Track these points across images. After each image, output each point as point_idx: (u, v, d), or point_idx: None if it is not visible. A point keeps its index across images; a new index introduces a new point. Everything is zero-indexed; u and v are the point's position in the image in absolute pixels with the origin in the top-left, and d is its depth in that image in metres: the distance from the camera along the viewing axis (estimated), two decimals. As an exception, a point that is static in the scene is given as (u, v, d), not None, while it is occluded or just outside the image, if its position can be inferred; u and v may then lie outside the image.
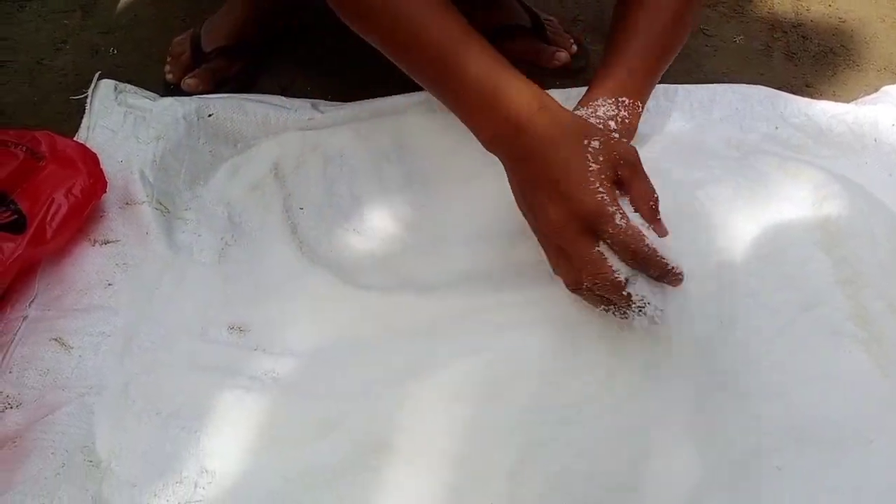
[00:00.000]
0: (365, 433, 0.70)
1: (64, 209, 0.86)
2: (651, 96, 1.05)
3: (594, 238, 0.63)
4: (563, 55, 1.15)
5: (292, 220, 0.93)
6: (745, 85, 1.05)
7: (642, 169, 0.66)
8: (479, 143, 0.92)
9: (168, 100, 1.01)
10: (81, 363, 0.80)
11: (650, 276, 0.65)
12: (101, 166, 0.91)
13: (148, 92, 1.04)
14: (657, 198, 0.66)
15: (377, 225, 0.91)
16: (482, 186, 0.87)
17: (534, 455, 0.66)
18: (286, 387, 0.77)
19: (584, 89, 1.07)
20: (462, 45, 0.66)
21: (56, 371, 0.79)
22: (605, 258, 0.63)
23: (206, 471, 0.72)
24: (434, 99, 1.04)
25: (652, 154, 0.87)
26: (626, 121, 0.76)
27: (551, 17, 1.19)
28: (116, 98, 1.01)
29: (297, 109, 1.02)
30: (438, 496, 0.66)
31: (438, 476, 0.67)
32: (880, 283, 0.74)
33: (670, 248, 0.65)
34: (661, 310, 0.66)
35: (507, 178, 0.82)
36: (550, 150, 0.63)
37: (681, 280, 0.65)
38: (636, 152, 0.66)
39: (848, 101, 1.09)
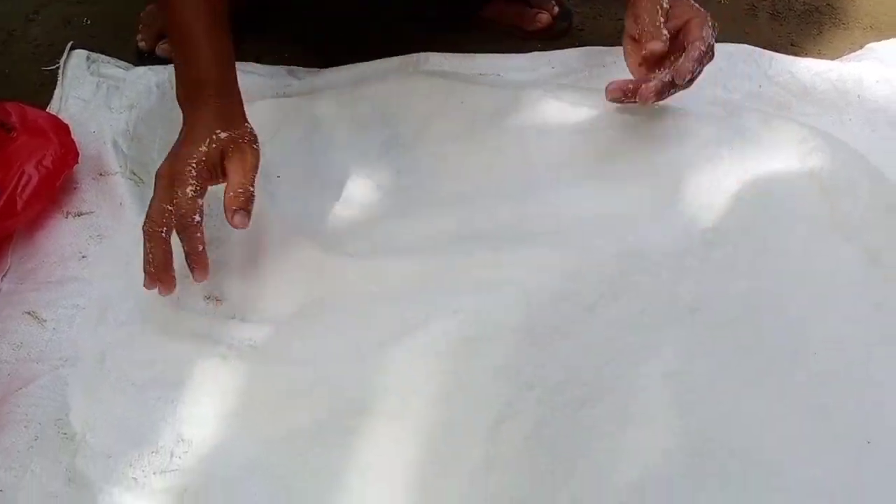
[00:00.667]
0: (343, 396, 0.69)
1: (35, 180, 0.84)
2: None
3: (170, 197, 0.75)
4: (544, 17, 1.13)
5: (270, 189, 0.91)
6: (728, 44, 1.03)
7: (246, 169, 0.76)
8: (459, 108, 0.93)
9: (141, 69, 1.00)
10: (55, 336, 0.79)
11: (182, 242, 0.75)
12: (73, 136, 0.89)
13: (121, 61, 1.02)
14: (241, 192, 0.75)
15: (355, 191, 0.89)
16: (461, 150, 0.86)
17: (511, 413, 0.66)
18: (264, 354, 0.76)
19: (564, 51, 1.07)
20: (199, 31, 0.79)
21: (30, 345, 0.78)
22: (162, 211, 0.74)
23: (183, 439, 0.72)
24: (409, 65, 1.04)
25: (637, 117, 0.86)
26: None
27: (532, -21, 1.17)
28: (89, 68, 1.00)
29: (273, 76, 1.01)
30: (418, 456, 0.65)
31: (417, 436, 0.66)
32: (862, 235, 0.74)
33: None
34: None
35: (484, 143, 0.83)
36: (193, 125, 0.78)
37: (199, 276, 0.76)
38: (251, 157, 0.77)
39: (833, 60, 1.07)
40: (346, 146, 0.94)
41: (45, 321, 0.80)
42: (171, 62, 1.02)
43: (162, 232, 0.74)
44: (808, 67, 0.98)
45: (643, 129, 0.80)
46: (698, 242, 0.72)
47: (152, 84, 0.97)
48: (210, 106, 0.78)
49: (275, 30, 1.15)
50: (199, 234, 0.75)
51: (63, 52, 1.02)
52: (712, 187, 0.75)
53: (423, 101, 0.98)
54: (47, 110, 0.96)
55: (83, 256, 0.86)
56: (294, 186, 0.91)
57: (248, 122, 0.80)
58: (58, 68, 1.01)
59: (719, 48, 1.01)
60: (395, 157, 0.91)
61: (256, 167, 0.77)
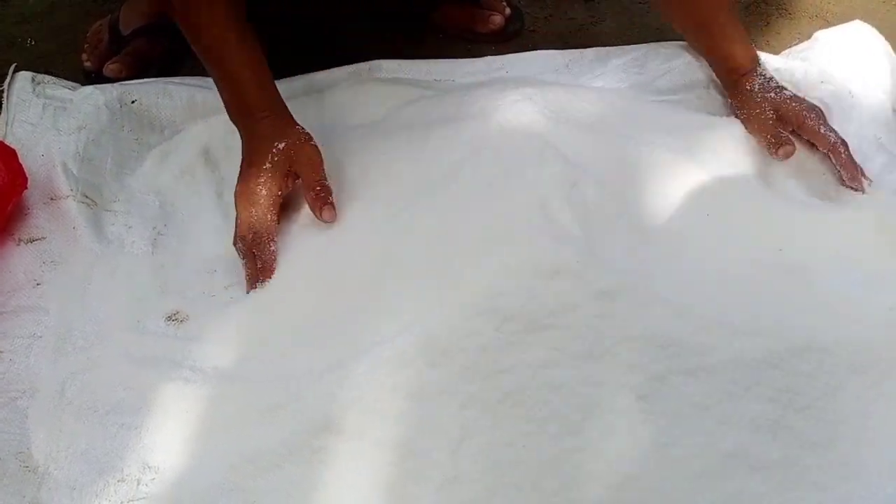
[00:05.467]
0: (308, 415, 0.68)
1: (-18, 209, 0.83)
2: (584, 60, 1.05)
3: (249, 215, 0.81)
4: (497, 19, 1.14)
5: (225, 206, 0.90)
6: (675, 42, 1.04)
7: (314, 166, 0.82)
8: (409, 115, 0.92)
9: (88, 88, 0.98)
10: (12, 367, 0.78)
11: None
12: (21, 161, 0.87)
13: (67, 81, 1.00)
14: (318, 189, 0.81)
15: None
16: (416, 158, 0.85)
17: (476, 426, 0.65)
18: (227, 375, 0.75)
19: (518, 55, 1.06)
20: (232, 51, 0.83)
21: (-14, 377, 0.77)
22: (246, 225, 0.81)
23: (149, 467, 0.71)
24: (361, 72, 1.03)
25: (592, 123, 0.86)
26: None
27: (483, -19, 1.17)
28: (34, 90, 0.97)
29: (224, 91, 0.99)
30: (384, 472, 0.65)
31: (383, 453, 0.66)
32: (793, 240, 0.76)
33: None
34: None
35: (440, 149, 0.82)
36: (253, 144, 0.83)
37: (255, 284, 0.80)
38: (312, 153, 0.82)
39: (781, 50, 1.09)
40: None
41: (1, 353, 0.79)
42: (117, 80, 1.01)
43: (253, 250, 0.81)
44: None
45: (597, 133, 0.81)
46: (645, 240, 0.73)
47: (101, 104, 0.95)
48: (264, 124, 0.83)
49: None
50: (272, 248, 0.81)
51: (6, 75, 0.99)
52: (662, 187, 0.76)
53: (377, 109, 0.98)
54: (-7, 135, 0.93)
55: (38, 284, 0.84)
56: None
57: (298, 125, 0.84)
58: (2, 92, 0.98)
59: (668, 46, 1.04)
60: (347, 167, 0.90)
61: (322, 162, 0.82)
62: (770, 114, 0.89)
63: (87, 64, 1.06)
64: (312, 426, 0.68)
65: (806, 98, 0.91)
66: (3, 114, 0.97)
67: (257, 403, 0.71)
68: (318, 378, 0.70)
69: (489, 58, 1.07)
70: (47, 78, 1.00)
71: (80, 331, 0.80)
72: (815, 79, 0.97)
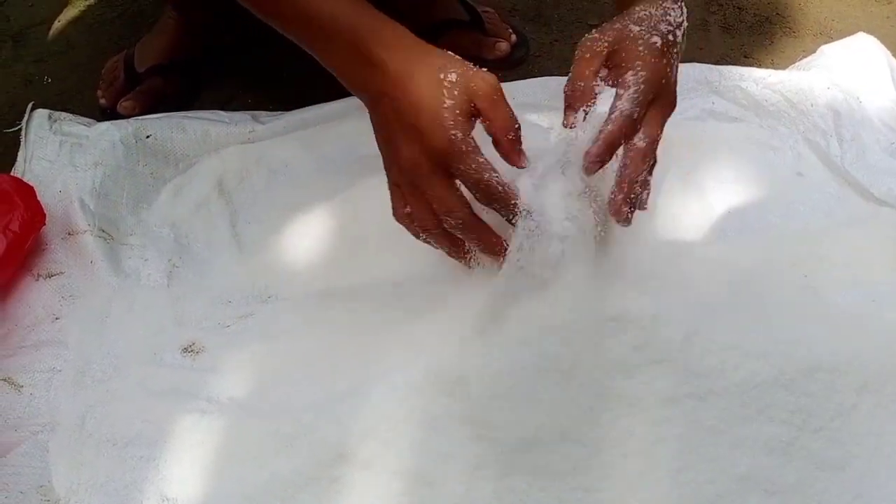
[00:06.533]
0: (323, 444, 0.69)
1: (2, 246, 0.84)
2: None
3: (448, 176, 0.63)
4: (503, 45, 1.15)
5: (239, 237, 0.92)
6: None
7: (501, 98, 0.64)
8: None
9: (104, 124, 1.00)
10: (33, 401, 0.79)
11: (499, 213, 0.65)
12: (39, 198, 0.89)
13: (83, 118, 1.02)
14: (517, 127, 0.64)
15: (325, 235, 0.90)
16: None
17: (489, 453, 0.66)
18: (243, 406, 0.76)
19: (525, 81, 1.07)
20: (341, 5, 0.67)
21: (7, 412, 0.78)
22: (460, 196, 0.64)
23: (167, 499, 0.71)
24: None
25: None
26: (678, 20, 0.69)
27: (488, 9, 1.19)
28: (51, 127, 0.99)
29: (237, 123, 1.01)
30: (398, 501, 0.66)
31: (397, 481, 0.66)
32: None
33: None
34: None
35: None
36: (405, 86, 0.63)
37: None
38: (495, 81, 0.64)
39: (786, 68, 1.10)
40: (314, 189, 0.94)
41: (22, 387, 0.80)
42: (130, 116, 1.03)
43: (472, 218, 0.64)
44: (756, 80, 1.00)
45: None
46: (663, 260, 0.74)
47: (116, 139, 0.97)
48: (413, 53, 0.64)
49: (237, 75, 1.15)
50: (509, 196, 0.63)
51: (24, 112, 1.02)
52: (670, 208, 0.76)
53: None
54: (12, 173, 0.95)
55: (56, 318, 0.85)
56: (266, 233, 0.91)
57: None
58: (20, 130, 1.00)
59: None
60: (362, 197, 0.91)
61: (501, 89, 0.64)
62: (602, 46, 0.67)
63: (103, 101, 1.09)
64: (327, 456, 0.68)
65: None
66: (21, 151, 0.99)
67: (273, 434, 0.72)
68: (332, 408, 0.70)
69: (532, 80, 1.08)
70: (64, 115, 1.01)
71: (99, 364, 0.82)
72: (821, 86, 0.97)
